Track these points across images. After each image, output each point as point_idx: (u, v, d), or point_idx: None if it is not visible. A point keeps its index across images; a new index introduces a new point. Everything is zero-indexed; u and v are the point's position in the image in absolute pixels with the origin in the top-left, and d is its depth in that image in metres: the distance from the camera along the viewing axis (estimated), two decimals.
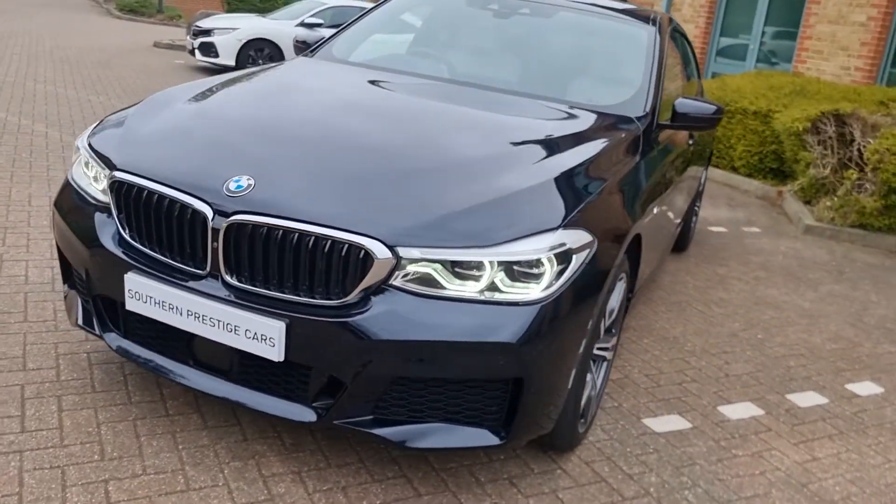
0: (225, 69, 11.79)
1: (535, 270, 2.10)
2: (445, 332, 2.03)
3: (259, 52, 11.74)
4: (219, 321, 2.11)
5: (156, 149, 2.38)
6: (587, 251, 2.22)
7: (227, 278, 2.14)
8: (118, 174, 2.31)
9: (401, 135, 2.54)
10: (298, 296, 2.08)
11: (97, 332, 2.44)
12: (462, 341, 2.04)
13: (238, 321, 2.09)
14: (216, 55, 11.66)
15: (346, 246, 2.03)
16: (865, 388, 3.58)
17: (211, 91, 2.86)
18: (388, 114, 2.77)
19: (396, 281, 2.06)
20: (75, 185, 2.58)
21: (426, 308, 2.05)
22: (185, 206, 2.17)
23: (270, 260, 2.09)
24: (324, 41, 3.84)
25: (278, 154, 2.32)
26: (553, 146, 2.63)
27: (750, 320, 4.24)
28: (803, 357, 3.84)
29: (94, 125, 2.75)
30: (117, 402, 2.60)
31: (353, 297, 2.05)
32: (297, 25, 11.95)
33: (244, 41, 11.63)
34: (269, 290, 2.10)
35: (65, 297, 2.68)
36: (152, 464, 2.30)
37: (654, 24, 3.71)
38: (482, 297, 2.07)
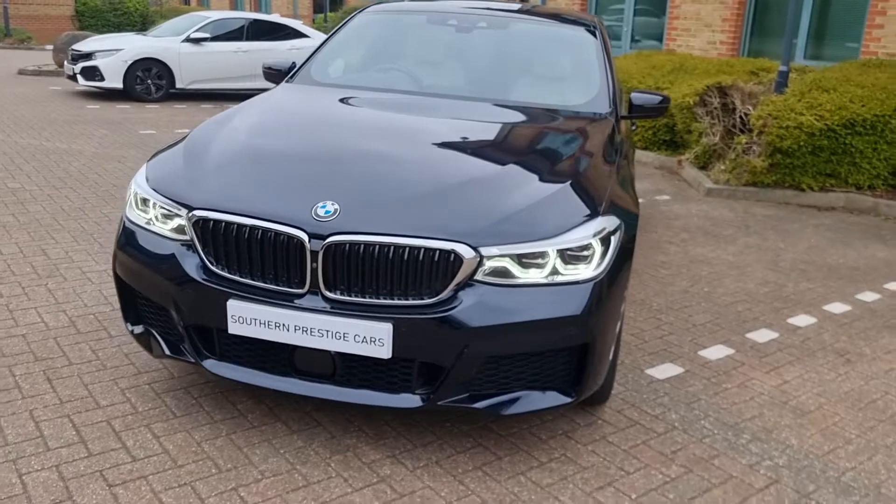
0: (112, 92, 11.49)
1: (584, 253, 2.52)
2: (526, 312, 2.43)
3: (147, 73, 11.50)
4: (327, 331, 2.40)
5: (229, 185, 2.62)
6: (619, 232, 2.66)
7: (326, 293, 2.43)
8: (200, 213, 2.54)
9: (441, 150, 2.89)
10: (395, 299, 2.41)
11: (192, 360, 2.65)
12: (540, 319, 2.44)
13: (346, 328, 2.39)
14: (101, 79, 11.32)
15: (437, 252, 2.38)
16: (802, 320, 4.26)
17: (247, 124, 3.09)
18: (420, 131, 3.11)
19: (479, 276, 2.42)
20: (138, 227, 2.76)
21: (506, 295, 2.43)
22: (279, 235, 2.44)
23: (367, 271, 2.40)
24: (300, 67, 4.07)
25: (346, 178, 2.62)
26: (566, 145, 3.06)
27: (693, 277, 4.87)
28: (746, 302, 4.49)
29: (145, 167, 2.93)
30: (202, 422, 2.81)
31: (445, 294, 2.40)
32: (184, 41, 11.80)
33: (130, 62, 11.36)
34: (368, 297, 2.41)
35: (138, 334, 2.85)
36: (266, 468, 2.56)
37: (594, 28, 4.21)
38: (547, 281, 2.47)
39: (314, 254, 2.41)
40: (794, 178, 7.13)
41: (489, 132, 3.22)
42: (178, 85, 11.80)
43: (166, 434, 2.72)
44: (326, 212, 2.45)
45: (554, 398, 2.58)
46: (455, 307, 2.39)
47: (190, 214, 2.58)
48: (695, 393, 3.31)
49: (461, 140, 3.05)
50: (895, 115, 6.82)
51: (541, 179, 2.73)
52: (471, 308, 2.39)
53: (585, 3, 12.13)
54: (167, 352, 2.72)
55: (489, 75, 3.91)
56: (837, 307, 4.49)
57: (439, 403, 2.49)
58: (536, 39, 4.14)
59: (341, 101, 3.54)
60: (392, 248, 2.39)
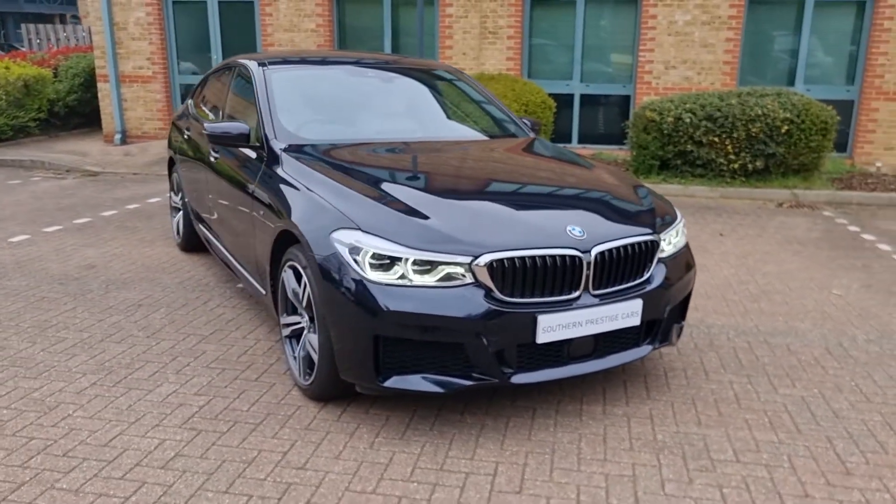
0: None
1: (680, 228, 3.81)
2: (682, 271, 3.65)
3: None
4: (606, 317, 3.24)
5: (493, 233, 3.13)
6: None
7: (593, 291, 3.26)
8: (491, 256, 3.05)
9: (551, 176, 3.83)
10: (633, 281, 3.38)
11: (496, 380, 3.11)
12: (686, 274, 3.68)
13: (617, 311, 3.27)
14: None
15: (650, 242, 3.43)
16: None
17: (410, 185, 3.49)
18: (517, 166, 3.96)
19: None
20: (391, 286, 3.03)
21: (669, 263, 3.60)
22: (560, 257, 3.15)
23: (616, 266, 3.30)
24: (269, 129, 4.17)
25: (556, 205, 3.42)
26: (575, 156, 4.27)
27: None
28: None
29: (362, 234, 3.12)
30: (465, 439, 3.26)
31: (651, 269, 3.47)
32: None
33: None
34: (620, 284, 3.33)
35: (398, 383, 3.11)
36: (560, 441, 3.25)
37: (460, 72, 5.30)
38: (675, 250, 3.71)
39: (588, 264, 3.21)
40: None
41: (535, 157, 4.21)
42: None
43: (460, 454, 3.12)
44: (580, 232, 3.25)
45: (681, 327, 3.85)
46: (658, 277, 3.49)
47: (476, 260, 3.04)
48: None
49: (542, 165, 4.01)
50: None
51: (632, 184, 3.93)
52: (666, 275, 3.52)
53: (163, 34, 12.10)
54: (467, 384, 3.10)
55: (445, 117, 4.73)
56: None
57: (657, 346, 3.55)
58: (439, 85, 5.04)
59: (402, 153, 4.07)
60: (629, 246, 3.35)
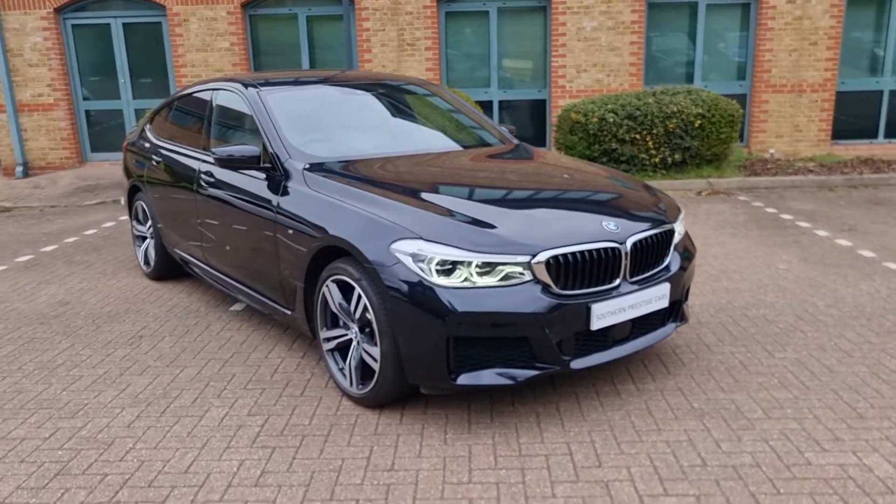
0: None
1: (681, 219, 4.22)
2: (691, 255, 4.03)
3: None
4: (643, 301, 3.57)
5: (541, 232, 3.37)
6: None
7: (630, 278, 3.58)
8: (548, 253, 3.30)
9: (561, 178, 4.12)
10: (660, 266, 3.73)
11: (557, 368, 3.36)
12: (691, 259, 4.07)
13: (651, 295, 3.60)
14: None
15: (671, 231, 3.79)
16: None
17: (450, 193, 3.69)
18: (522, 172, 4.18)
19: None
20: (456, 288, 3.23)
21: (681, 250, 3.98)
22: (603, 250, 3.45)
23: (647, 254, 3.64)
24: (278, 149, 4.24)
25: (582, 205, 3.71)
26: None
27: None
28: None
29: (424, 242, 3.28)
30: (558, 427, 3.50)
31: (670, 255, 3.83)
32: None
33: None
34: (649, 271, 3.67)
35: (473, 378, 3.31)
36: (620, 415, 3.56)
37: (440, 87, 5.53)
38: (681, 238, 4.08)
39: (626, 254, 3.52)
40: None
41: (542, 163, 4.49)
42: None
43: (531, 440, 3.36)
44: (615, 226, 3.56)
45: (687, 305, 4.25)
46: (675, 262, 3.86)
47: (535, 258, 3.29)
48: None
49: (554, 171, 4.28)
50: None
51: (640, 182, 4.28)
52: (680, 260, 3.89)
53: (63, 59, 11.58)
54: (532, 373, 3.33)
55: (444, 129, 4.92)
56: None
57: (679, 324, 3.92)
58: (427, 100, 5.24)
59: (418, 164, 4.23)
60: (656, 234, 3.69)
